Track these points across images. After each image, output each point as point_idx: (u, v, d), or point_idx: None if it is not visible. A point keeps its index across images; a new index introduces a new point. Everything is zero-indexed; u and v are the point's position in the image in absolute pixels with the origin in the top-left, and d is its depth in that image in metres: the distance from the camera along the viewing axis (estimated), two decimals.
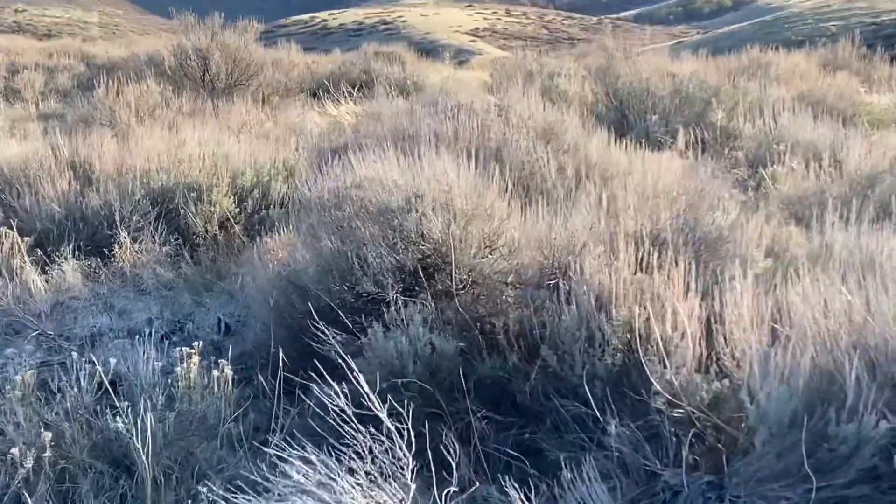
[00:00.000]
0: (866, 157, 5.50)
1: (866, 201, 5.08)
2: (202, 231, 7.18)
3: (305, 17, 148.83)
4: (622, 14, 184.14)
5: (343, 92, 14.65)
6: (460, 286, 4.54)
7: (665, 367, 3.53)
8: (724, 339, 3.54)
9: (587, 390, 3.68)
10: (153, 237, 7.00)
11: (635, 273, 3.97)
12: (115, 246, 6.87)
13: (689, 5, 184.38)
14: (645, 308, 3.73)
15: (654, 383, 3.47)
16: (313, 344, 4.28)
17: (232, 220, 7.24)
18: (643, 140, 9.51)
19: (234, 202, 7.34)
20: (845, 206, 4.92)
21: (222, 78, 13.39)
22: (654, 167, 6.07)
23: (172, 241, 7.08)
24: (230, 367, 4.15)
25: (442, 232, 4.49)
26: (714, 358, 3.62)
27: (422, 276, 4.51)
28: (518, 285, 4.40)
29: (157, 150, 7.81)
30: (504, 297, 4.38)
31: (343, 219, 4.71)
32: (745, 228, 4.40)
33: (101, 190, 7.32)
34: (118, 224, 6.98)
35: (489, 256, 4.60)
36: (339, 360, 3.62)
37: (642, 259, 4.02)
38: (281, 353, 4.16)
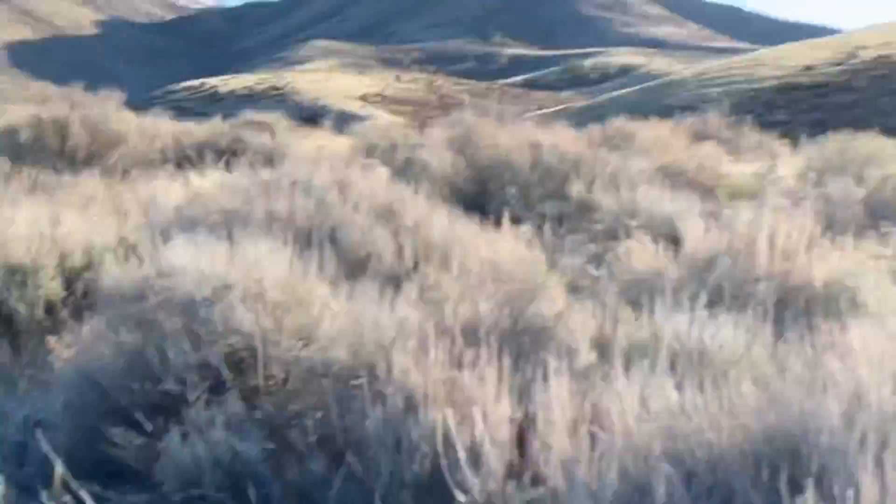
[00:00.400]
0: (706, 236, 5.37)
1: (703, 285, 4.92)
2: (26, 317, 6.73)
3: (196, 82, 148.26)
4: (511, 79, 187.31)
5: (209, 162, 14.30)
6: (272, 383, 4.24)
7: (474, 474, 3.27)
8: (539, 443, 3.31)
9: (394, 499, 3.43)
10: None
11: (449, 371, 3.71)
12: None
13: (576, 71, 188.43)
14: (455, 410, 3.47)
15: (460, 494, 3.22)
16: (111, 449, 3.95)
17: (59, 304, 6.81)
18: (500, 215, 9.34)
19: (62, 285, 6.91)
20: (682, 290, 4.76)
21: (82, 149, 12.95)
22: (492, 249, 5.88)
23: None
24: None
25: (252, 325, 4.19)
26: (528, 464, 3.39)
27: (229, 372, 4.20)
28: (330, 383, 4.11)
29: None
30: (315, 396, 4.09)
31: (146, 311, 4.37)
32: (570, 318, 4.18)
33: None
34: None
35: (305, 350, 4.31)
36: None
37: (460, 355, 3.78)
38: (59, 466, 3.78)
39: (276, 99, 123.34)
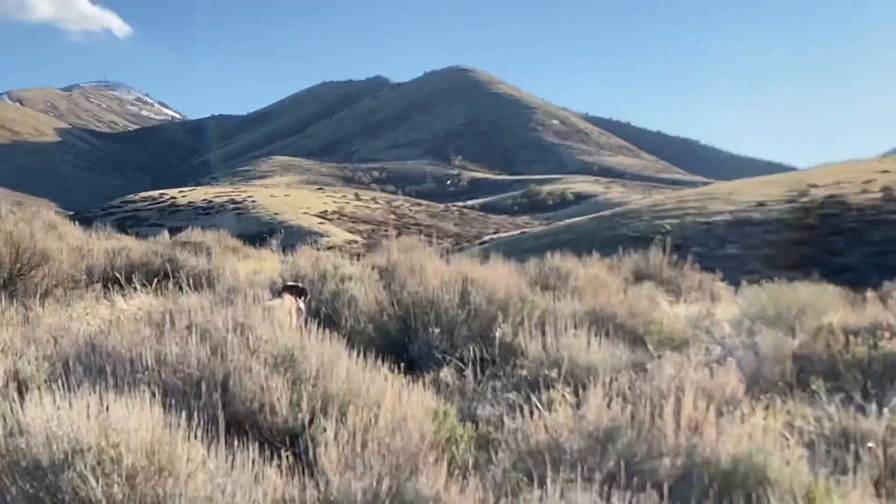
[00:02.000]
0: (610, 402, 5.07)
1: (605, 457, 4.62)
2: None
3: (155, 193, 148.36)
4: (469, 202, 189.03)
5: (140, 284, 13.94)
6: None
7: None
8: None
9: None
10: None
11: None
12: None
13: (534, 197, 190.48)
14: None
15: None
16: None
17: None
18: (422, 357, 9.02)
19: None
20: (582, 462, 4.46)
21: (4, 268, 12.53)
22: (397, 401, 5.56)
23: None
24: None
25: (101, 495, 3.83)
26: None
27: None
28: None
29: None
30: None
31: None
32: (451, 497, 3.85)
33: None
34: None
35: None
36: None
37: None
38: None
39: (235, 212, 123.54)
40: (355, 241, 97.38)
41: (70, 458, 3.91)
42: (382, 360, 9.29)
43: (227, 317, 6.39)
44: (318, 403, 5.59)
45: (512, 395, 7.73)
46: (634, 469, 4.46)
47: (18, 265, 12.76)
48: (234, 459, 4.32)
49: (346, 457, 4.30)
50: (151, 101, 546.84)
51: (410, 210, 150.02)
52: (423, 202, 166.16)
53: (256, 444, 4.75)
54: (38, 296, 11.67)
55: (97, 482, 3.86)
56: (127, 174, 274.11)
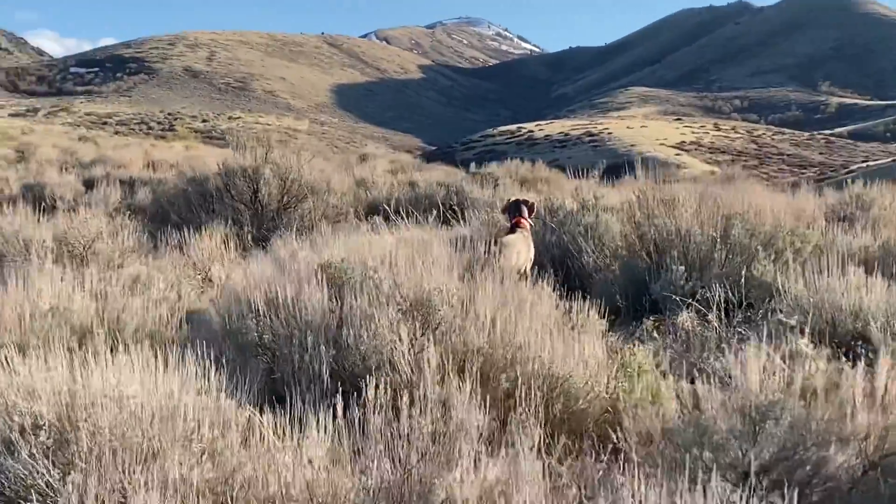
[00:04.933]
0: None
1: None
2: None
3: (513, 127, 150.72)
4: (836, 130, 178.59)
5: (421, 215, 13.54)
6: None
7: None
8: None
9: None
10: None
11: None
12: None
13: None
14: None
15: None
16: None
17: None
18: (664, 300, 7.82)
19: None
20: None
21: (272, 201, 12.37)
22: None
23: None
24: None
25: None
26: None
27: None
28: None
29: None
30: None
31: None
32: None
33: None
34: None
35: None
36: None
37: None
38: None
39: (590, 144, 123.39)
40: (713, 173, 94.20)
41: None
42: (626, 300, 8.22)
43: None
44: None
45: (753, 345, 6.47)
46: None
47: (286, 197, 12.58)
48: None
49: None
50: (511, 35, 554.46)
51: (772, 139, 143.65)
52: (787, 130, 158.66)
53: None
54: (295, 229, 11.29)
55: None
56: (486, 109, 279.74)
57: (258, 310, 5.17)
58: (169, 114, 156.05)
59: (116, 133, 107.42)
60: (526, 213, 9.29)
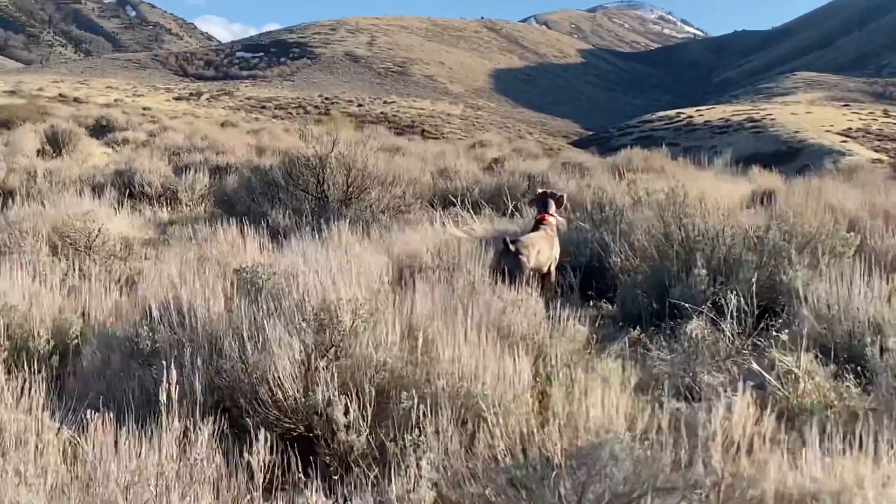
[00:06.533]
0: None
1: None
2: None
3: (671, 112, 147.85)
4: None
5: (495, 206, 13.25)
6: None
7: None
8: None
9: None
10: None
11: None
12: None
13: None
14: None
15: None
16: None
17: None
18: (681, 306, 7.24)
19: None
20: None
21: (337, 191, 12.13)
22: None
23: None
24: None
25: None
26: None
27: None
28: None
29: None
30: None
31: None
32: None
33: None
34: None
35: None
36: None
37: None
38: None
39: (751, 131, 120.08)
40: (880, 161, 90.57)
41: None
42: (653, 302, 7.71)
43: None
44: None
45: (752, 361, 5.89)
46: None
47: (350, 189, 12.34)
48: None
49: None
50: (674, 19, 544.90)
51: None
52: None
53: None
54: (348, 221, 11.02)
55: None
56: (646, 93, 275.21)
57: (152, 316, 4.91)
58: (326, 98, 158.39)
59: (275, 117, 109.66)
60: (553, 208, 8.88)
